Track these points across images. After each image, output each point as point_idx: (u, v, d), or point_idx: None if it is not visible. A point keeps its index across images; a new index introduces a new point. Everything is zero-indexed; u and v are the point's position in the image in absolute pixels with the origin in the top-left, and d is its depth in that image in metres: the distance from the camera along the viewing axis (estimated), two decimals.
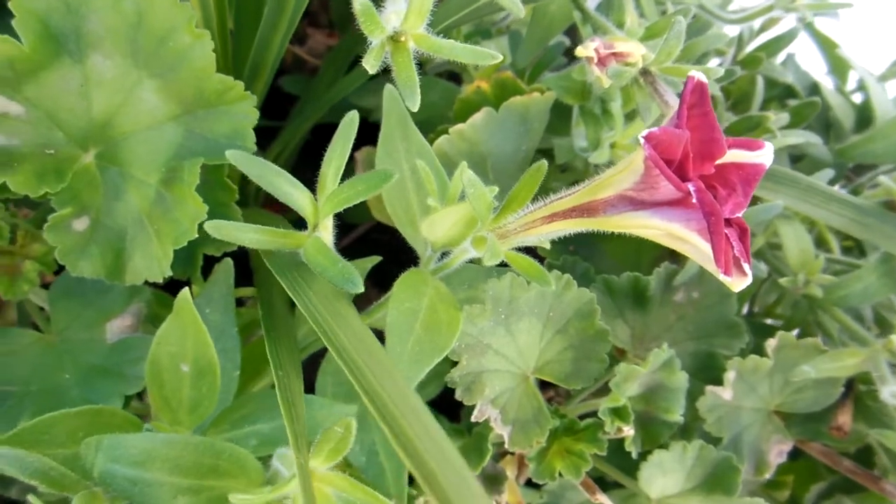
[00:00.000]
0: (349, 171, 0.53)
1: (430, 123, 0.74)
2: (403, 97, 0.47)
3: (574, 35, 0.87)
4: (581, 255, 0.76)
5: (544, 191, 0.50)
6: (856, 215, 0.66)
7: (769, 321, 0.90)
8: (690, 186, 0.39)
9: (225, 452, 0.48)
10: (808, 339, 0.71)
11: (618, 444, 0.65)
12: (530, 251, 0.52)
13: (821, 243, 0.86)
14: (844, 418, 0.74)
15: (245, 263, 0.65)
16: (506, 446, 0.62)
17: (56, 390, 0.58)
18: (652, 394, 0.67)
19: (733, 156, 0.43)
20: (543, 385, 0.67)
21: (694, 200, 0.39)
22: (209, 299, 0.60)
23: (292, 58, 1.05)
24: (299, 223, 0.54)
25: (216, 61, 0.56)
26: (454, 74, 0.93)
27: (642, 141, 0.39)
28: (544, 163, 0.50)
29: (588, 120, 0.69)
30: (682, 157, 0.40)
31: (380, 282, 0.73)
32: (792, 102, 0.94)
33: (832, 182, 0.77)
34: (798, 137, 0.83)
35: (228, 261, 0.61)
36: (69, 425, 0.49)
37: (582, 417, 0.65)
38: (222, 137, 0.57)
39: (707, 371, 0.74)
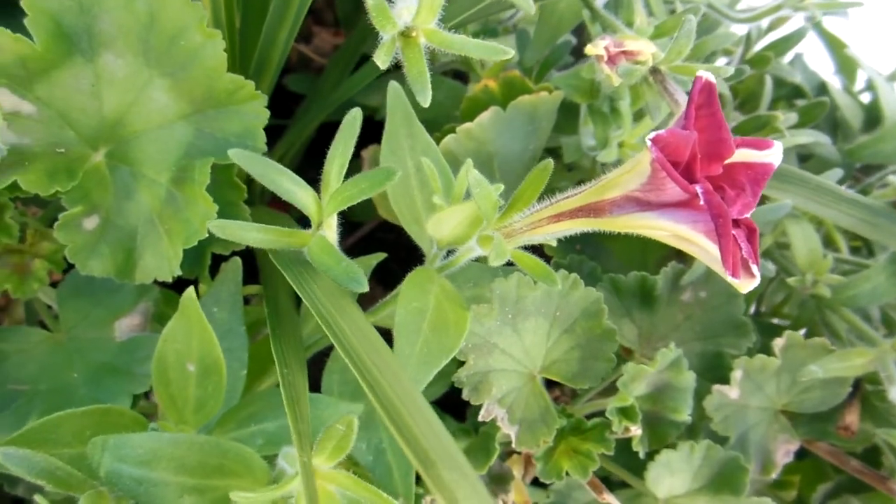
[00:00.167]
0: (356, 169, 0.53)
1: (436, 122, 0.73)
2: (415, 93, 0.47)
3: (580, 34, 0.87)
4: (588, 254, 0.76)
5: (551, 190, 0.50)
6: (865, 215, 0.66)
7: (776, 321, 0.89)
8: (698, 188, 0.39)
9: (230, 452, 0.48)
10: (816, 339, 0.70)
11: (625, 444, 0.65)
12: (537, 250, 0.52)
13: (829, 243, 0.86)
14: (852, 418, 0.74)
15: (251, 261, 0.65)
16: (513, 446, 0.62)
17: (65, 389, 0.59)
18: (659, 393, 0.67)
19: (742, 155, 0.42)
20: (550, 384, 0.67)
21: (701, 202, 0.39)
22: (217, 298, 0.60)
23: (298, 56, 1.04)
24: (305, 220, 0.54)
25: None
26: (460, 73, 0.93)
27: (649, 144, 0.39)
28: (550, 162, 0.50)
29: (596, 118, 0.69)
30: (689, 158, 0.40)
31: (384, 280, 0.73)
32: (800, 102, 0.94)
33: (840, 182, 0.76)
34: (807, 137, 0.83)
35: (237, 260, 0.61)
36: (76, 425, 0.50)
37: (589, 417, 0.65)
38: (233, 137, 0.57)
39: (714, 371, 0.74)
